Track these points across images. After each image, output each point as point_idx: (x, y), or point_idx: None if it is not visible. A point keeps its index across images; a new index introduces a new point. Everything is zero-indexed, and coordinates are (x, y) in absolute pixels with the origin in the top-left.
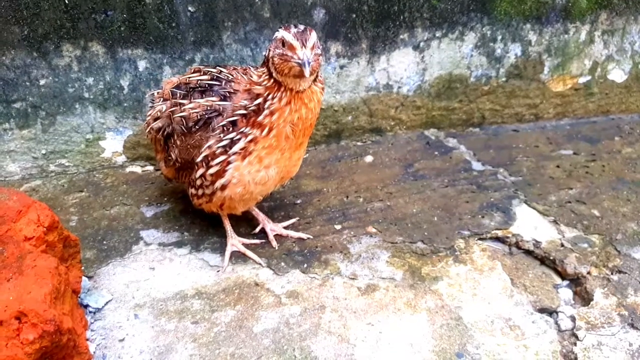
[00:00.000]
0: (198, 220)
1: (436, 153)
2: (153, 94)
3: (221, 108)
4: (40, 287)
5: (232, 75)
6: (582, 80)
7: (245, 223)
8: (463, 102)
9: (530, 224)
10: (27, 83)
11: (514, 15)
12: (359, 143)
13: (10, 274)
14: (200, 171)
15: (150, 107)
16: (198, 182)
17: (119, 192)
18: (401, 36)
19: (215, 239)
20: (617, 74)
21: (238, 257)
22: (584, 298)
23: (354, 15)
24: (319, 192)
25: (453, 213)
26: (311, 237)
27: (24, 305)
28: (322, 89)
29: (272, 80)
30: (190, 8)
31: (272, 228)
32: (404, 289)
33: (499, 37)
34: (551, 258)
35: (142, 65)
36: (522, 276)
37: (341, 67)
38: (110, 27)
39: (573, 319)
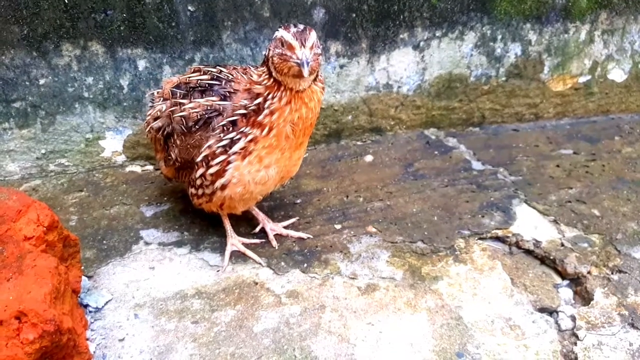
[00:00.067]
0: (198, 219)
1: (436, 152)
2: (153, 93)
3: (221, 108)
4: (40, 286)
5: (232, 75)
6: (582, 79)
7: (245, 223)
8: (463, 102)
9: (531, 224)
10: (27, 82)
11: (514, 14)
12: (358, 142)
13: (10, 273)
14: (200, 171)
15: (150, 106)
16: (198, 182)
17: (118, 192)
18: (401, 36)
19: (215, 238)
20: (617, 74)
21: (238, 256)
22: (584, 298)
23: (354, 15)
24: (319, 191)
25: (453, 213)
26: (311, 236)
27: (24, 305)
28: (323, 88)
29: (271, 80)
30: (190, 7)
31: (272, 228)
32: (404, 289)
33: (499, 37)
34: (551, 258)
35: (141, 64)
36: (522, 276)
37: (341, 67)
38: (110, 26)
39: (573, 318)
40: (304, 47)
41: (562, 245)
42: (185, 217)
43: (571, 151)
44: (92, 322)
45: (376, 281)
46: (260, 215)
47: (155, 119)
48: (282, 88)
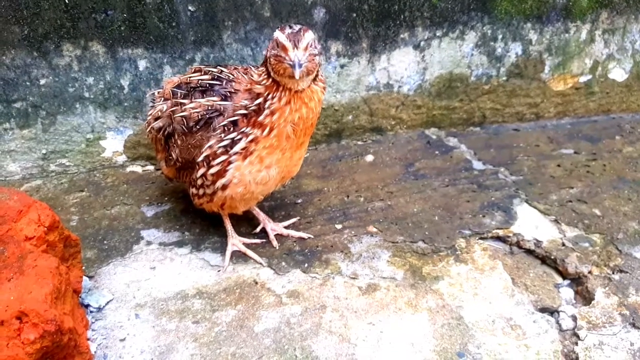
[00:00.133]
0: (199, 219)
1: (437, 152)
2: (154, 93)
3: (222, 108)
4: (41, 287)
5: (233, 75)
6: (582, 79)
7: (246, 223)
8: (464, 102)
9: (531, 223)
10: (28, 83)
11: (514, 14)
12: (359, 142)
13: (11, 273)
14: (201, 171)
15: (151, 106)
16: (199, 182)
17: (119, 192)
18: (402, 35)
19: (215, 238)
20: (618, 73)
21: (239, 256)
22: (585, 297)
23: (355, 15)
24: (319, 191)
25: (454, 212)
26: (312, 236)
27: (25, 305)
28: (324, 88)
29: (270, 80)
30: (190, 7)
31: (273, 228)
32: (404, 289)
33: (500, 36)
34: (552, 257)
35: (142, 64)
36: (523, 275)
37: (342, 67)
38: (111, 26)
39: (574, 318)
40: (297, 48)
41: (563, 245)
42: (186, 217)
43: (572, 151)
44: (93, 322)
45: (377, 281)
46: (261, 215)
47: (156, 119)
48: (281, 88)
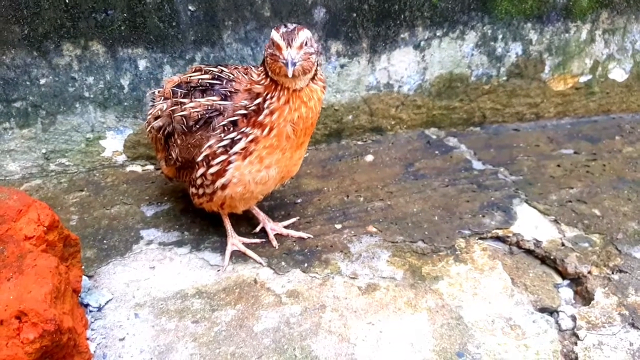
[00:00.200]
0: (198, 219)
1: (437, 152)
2: (154, 92)
3: (222, 107)
4: (40, 286)
5: (233, 75)
6: (583, 79)
7: (245, 222)
8: (464, 102)
9: (531, 224)
10: (28, 82)
11: (514, 14)
12: (359, 142)
13: (10, 273)
14: (201, 170)
15: (151, 106)
16: (199, 182)
17: (119, 192)
18: (402, 35)
19: (215, 238)
20: (618, 73)
21: (238, 256)
22: (585, 297)
23: (355, 14)
24: (319, 191)
25: (453, 212)
26: (311, 236)
27: (24, 304)
28: (323, 87)
29: (269, 80)
30: (190, 7)
31: (273, 227)
32: (404, 289)
33: (500, 36)
34: (552, 257)
35: (142, 64)
36: (523, 275)
37: (342, 66)
38: (111, 26)
39: (574, 318)
40: (291, 47)
41: (563, 245)
42: (186, 217)
43: (572, 151)
44: (92, 322)
45: (376, 281)
46: (261, 215)
47: (156, 118)
48: (279, 88)
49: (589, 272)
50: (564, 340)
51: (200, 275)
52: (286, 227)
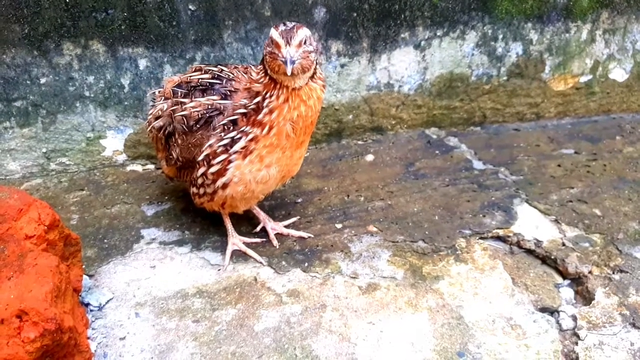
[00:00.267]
0: (199, 219)
1: (437, 152)
2: (154, 92)
3: (222, 107)
4: (41, 285)
5: (233, 74)
6: (583, 79)
7: (246, 222)
8: (464, 101)
9: (532, 223)
10: (28, 81)
11: (515, 14)
12: (359, 142)
13: (11, 272)
14: (202, 170)
15: (152, 105)
16: (199, 181)
17: (119, 191)
18: (402, 35)
19: (216, 237)
20: (619, 73)
21: (239, 256)
22: (585, 297)
23: (355, 14)
24: (319, 191)
25: (454, 212)
26: (312, 236)
27: (25, 303)
28: (323, 86)
29: (268, 78)
30: (190, 7)
31: (273, 227)
32: (405, 288)
33: (500, 36)
34: (552, 257)
35: (142, 63)
36: (524, 275)
37: (342, 66)
38: (111, 25)
39: (574, 318)
40: (289, 45)
41: (563, 244)
42: (186, 216)
43: (572, 151)
44: (93, 321)
45: (377, 280)
46: (261, 215)
47: (157, 118)
48: (278, 86)
49: (590, 272)
50: (564, 340)
51: (201, 275)
52: (287, 226)
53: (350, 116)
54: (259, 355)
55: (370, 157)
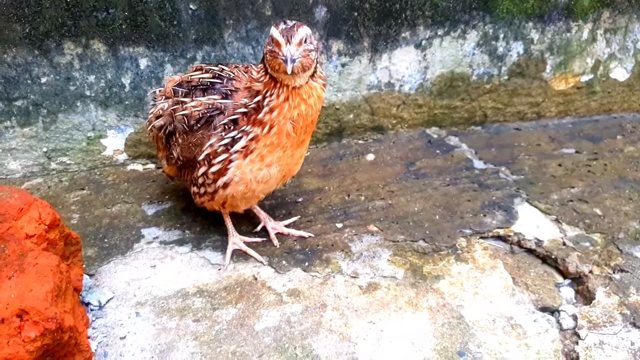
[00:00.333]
0: (199, 218)
1: (438, 151)
2: (155, 91)
3: (222, 106)
4: (41, 285)
5: (234, 74)
6: (584, 78)
7: (246, 221)
8: (465, 101)
9: (532, 223)
10: (29, 81)
11: (516, 13)
12: (360, 141)
13: (11, 271)
14: (202, 169)
15: (152, 105)
16: (200, 181)
17: (120, 190)
18: (403, 34)
19: (216, 237)
20: (620, 73)
21: (239, 255)
22: (586, 297)
23: (356, 14)
24: (320, 190)
25: (455, 212)
26: (312, 235)
27: (26, 303)
28: (323, 85)
29: (268, 77)
30: (191, 6)
31: (274, 226)
32: (405, 288)
33: (501, 36)
34: (553, 257)
35: (143, 63)
36: (524, 275)
37: (343, 65)
38: (112, 25)
39: (575, 317)
40: (290, 43)
41: (564, 244)
42: (187, 216)
43: (573, 150)
44: (93, 320)
45: (377, 280)
46: (262, 214)
47: (157, 117)
48: (278, 85)
49: (590, 272)
50: (565, 339)
51: (201, 274)
52: (287, 226)
53: (351, 115)
54: (260, 355)
55: (370, 157)
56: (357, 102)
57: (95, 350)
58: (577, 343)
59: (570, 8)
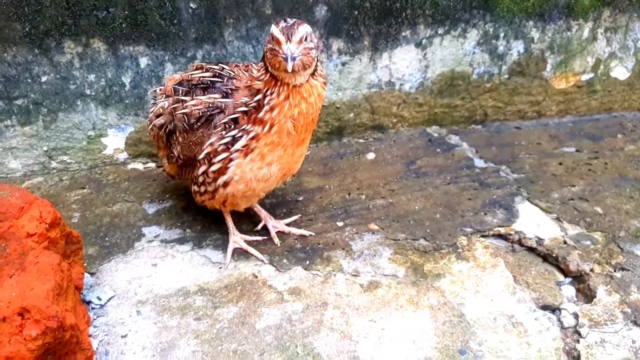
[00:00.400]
0: (200, 217)
1: (438, 150)
2: (155, 90)
3: (223, 105)
4: (42, 283)
5: (234, 72)
6: (584, 77)
7: (247, 220)
8: (465, 99)
9: (533, 221)
10: (29, 80)
11: (516, 12)
12: (361, 140)
13: (12, 270)
14: (203, 168)
15: (153, 103)
16: (200, 179)
17: (121, 189)
18: (403, 33)
19: (217, 235)
20: (620, 72)
21: (240, 254)
22: (587, 295)
23: (356, 12)
24: (321, 189)
25: (455, 210)
26: (313, 234)
27: (27, 301)
28: (324, 83)
29: (268, 75)
30: (192, 5)
31: (274, 225)
32: (406, 286)
33: (502, 34)
34: (554, 255)
35: (143, 62)
36: (525, 273)
37: (343, 64)
38: (112, 23)
39: (576, 316)
40: (290, 41)
41: (565, 242)
42: (188, 214)
43: (574, 149)
44: (94, 319)
45: (378, 278)
46: (263, 213)
47: (158, 116)
48: (279, 83)
49: (591, 270)
50: (566, 337)
51: (202, 273)
52: (288, 224)
53: (352, 114)
54: (261, 353)
55: (371, 156)
56: (357, 101)
57: (97, 348)
58: (578, 341)
59: (571, 7)
